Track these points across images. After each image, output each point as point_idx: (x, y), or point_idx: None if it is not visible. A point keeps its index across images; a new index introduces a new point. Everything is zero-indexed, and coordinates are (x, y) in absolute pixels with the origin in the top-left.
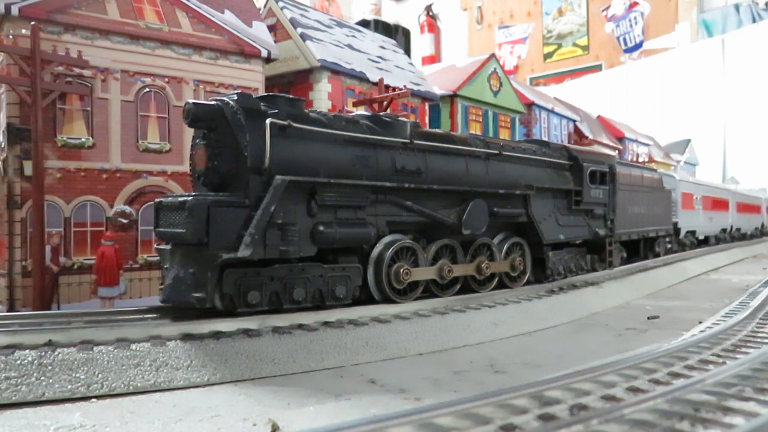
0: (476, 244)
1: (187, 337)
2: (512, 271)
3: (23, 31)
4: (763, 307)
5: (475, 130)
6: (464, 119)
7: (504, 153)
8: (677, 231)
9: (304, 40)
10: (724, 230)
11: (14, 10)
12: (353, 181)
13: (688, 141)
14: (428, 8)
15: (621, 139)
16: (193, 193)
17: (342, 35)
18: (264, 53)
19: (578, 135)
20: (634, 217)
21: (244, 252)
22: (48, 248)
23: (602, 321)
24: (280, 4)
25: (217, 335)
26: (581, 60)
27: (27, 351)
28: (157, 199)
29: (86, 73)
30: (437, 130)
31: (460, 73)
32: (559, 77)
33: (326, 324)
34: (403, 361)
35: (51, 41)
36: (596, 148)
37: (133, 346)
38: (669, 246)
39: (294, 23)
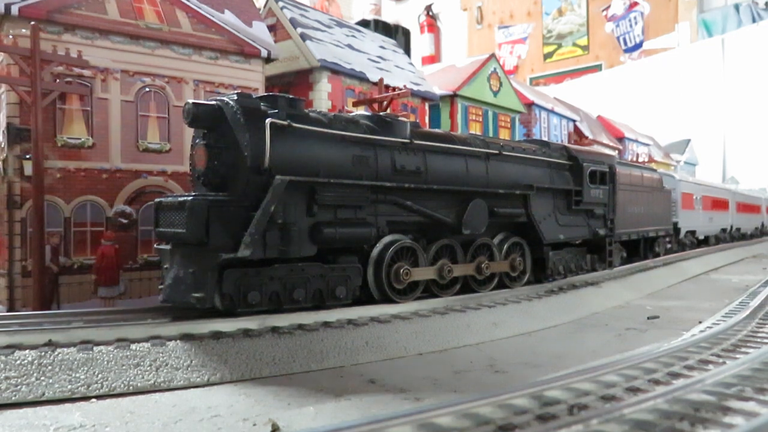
0: (476, 244)
1: (187, 337)
2: (512, 271)
3: (23, 31)
4: (763, 307)
5: (475, 130)
6: (464, 119)
7: (504, 153)
8: (677, 231)
9: (304, 40)
10: (724, 230)
11: (14, 10)
12: (353, 181)
13: (688, 141)
14: (428, 8)
15: (621, 139)
16: (193, 193)
17: (342, 35)
18: (264, 53)
19: (578, 135)
20: (634, 217)
21: (243, 252)
22: (48, 248)
23: (602, 321)
24: (280, 4)
25: (217, 335)
26: (581, 60)
27: (27, 351)
28: (157, 199)
29: (86, 73)
30: (437, 130)
31: (460, 73)
32: (559, 77)
33: (326, 324)
34: (403, 361)
35: (51, 41)
36: (596, 148)
37: (133, 346)
38: (669, 246)
39: (294, 23)
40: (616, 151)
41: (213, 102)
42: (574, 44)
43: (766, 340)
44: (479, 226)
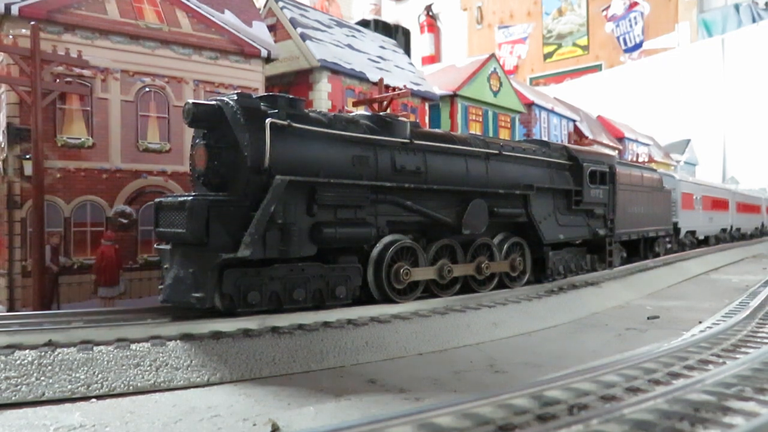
0: (476, 244)
1: (187, 337)
2: (512, 271)
3: (23, 31)
4: (763, 307)
5: (475, 130)
6: (464, 119)
7: (504, 153)
8: (677, 231)
9: (304, 40)
10: (724, 230)
11: (14, 10)
12: (353, 181)
13: (688, 141)
14: (428, 8)
15: (621, 139)
16: (193, 193)
17: (342, 35)
18: (264, 53)
19: (578, 135)
20: (634, 217)
21: (243, 252)
22: (48, 248)
23: (602, 321)
24: (280, 4)
25: (217, 335)
26: (581, 60)
27: (27, 351)
28: (157, 199)
29: (86, 73)
30: (437, 130)
31: (460, 73)
32: (559, 77)
33: (326, 324)
34: (403, 361)
35: (51, 41)
36: (596, 148)
37: (133, 346)
38: (669, 246)
39: (294, 23)
40: (616, 151)
41: (213, 102)
42: (574, 44)
43: (766, 340)
44: (479, 226)
